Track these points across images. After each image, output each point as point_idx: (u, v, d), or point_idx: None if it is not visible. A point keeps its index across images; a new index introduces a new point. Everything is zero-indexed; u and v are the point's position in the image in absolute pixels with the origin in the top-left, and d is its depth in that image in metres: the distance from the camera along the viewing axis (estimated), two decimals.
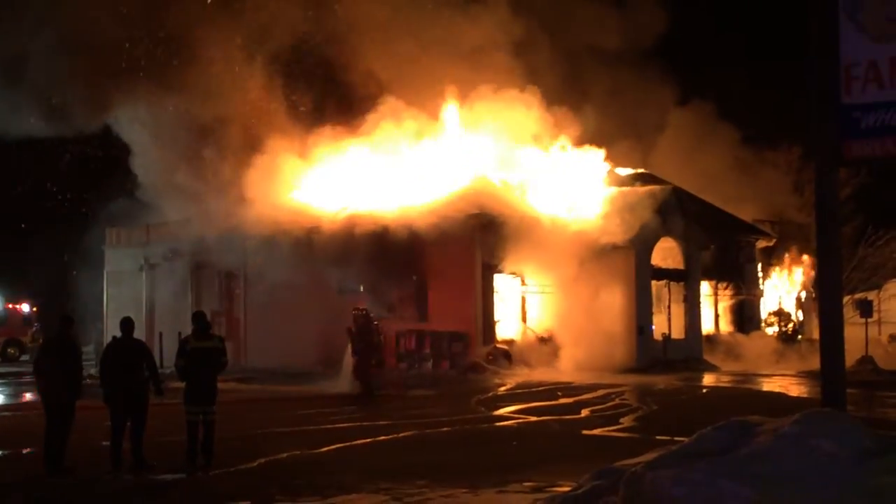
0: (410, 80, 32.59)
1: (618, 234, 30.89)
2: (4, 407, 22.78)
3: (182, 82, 30.54)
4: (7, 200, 42.69)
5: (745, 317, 38.10)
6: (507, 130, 32.62)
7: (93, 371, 20.51)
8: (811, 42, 8.79)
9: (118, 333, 13.27)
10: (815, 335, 19.41)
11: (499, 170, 32.93)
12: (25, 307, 41.58)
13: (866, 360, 28.52)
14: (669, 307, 34.02)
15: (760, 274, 39.81)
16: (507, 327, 31.56)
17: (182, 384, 13.37)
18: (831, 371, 8.82)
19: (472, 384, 25.87)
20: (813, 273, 37.01)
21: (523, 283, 31.95)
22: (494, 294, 31.34)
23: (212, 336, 13.76)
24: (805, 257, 39.43)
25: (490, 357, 29.61)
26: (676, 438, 9.45)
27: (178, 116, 31.22)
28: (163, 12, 31.08)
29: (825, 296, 9.08)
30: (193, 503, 11.51)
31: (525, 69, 33.13)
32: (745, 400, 22.84)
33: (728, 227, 37.83)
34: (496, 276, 31.27)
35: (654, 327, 32.62)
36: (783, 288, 41.00)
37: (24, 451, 14.65)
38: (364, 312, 25.05)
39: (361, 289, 30.33)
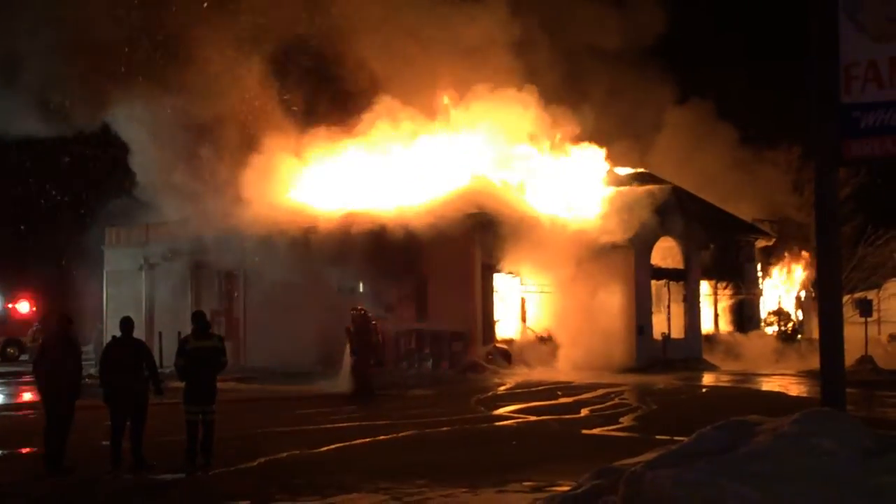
0: (408, 79, 32.59)
1: (617, 233, 30.92)
2: (4, 407, 22.76)
3: (180, 82, 30.54)
4: (7, 200, 42.68)
5: (745, 316, 38.09)
6: (505, 130, 32.59)
7: (92, 371, 20.53)
8: (811, 42, 8.79)
9: (118, 333, 13.28)
10: (815, 335, 19.37)
11: (498, 169, 32.91)
12: (25, 307, 41.53)
13: (866, 360, 28.55)
14: (669, 307, 34.00)
15: (760, 273, 39.82)
16: (506, 327, 31.53)
17: (182, 384, 13.39)
18: (831, 370, 8.82)
19: (471, 384, 25.88)
20: (812, 269, 36.98)
21: (522, 282, 31.94)
22: (494, 294, 31.31)
23: (211, 336, 13.77)
24: (804, 254, 39.42)
25: (489, 357, 29.61)
26: (676, 438, 9.46)
27: (176, 115, 31.20)
28: (161, 12, 31.08)
29: (825, 295, 9.08)
30: (193, 503, 11.50)
31: (524, 68, 33.10)
32: (744, 399, 22.86)
33: (727, 227, 37.80)
34: (495, 276, 31.26)
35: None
36: (783, 287, 41.03)
37: (24, 451, 14.65)
38: (362, 312, 25.03)
39: (361, 288, 30.34)
